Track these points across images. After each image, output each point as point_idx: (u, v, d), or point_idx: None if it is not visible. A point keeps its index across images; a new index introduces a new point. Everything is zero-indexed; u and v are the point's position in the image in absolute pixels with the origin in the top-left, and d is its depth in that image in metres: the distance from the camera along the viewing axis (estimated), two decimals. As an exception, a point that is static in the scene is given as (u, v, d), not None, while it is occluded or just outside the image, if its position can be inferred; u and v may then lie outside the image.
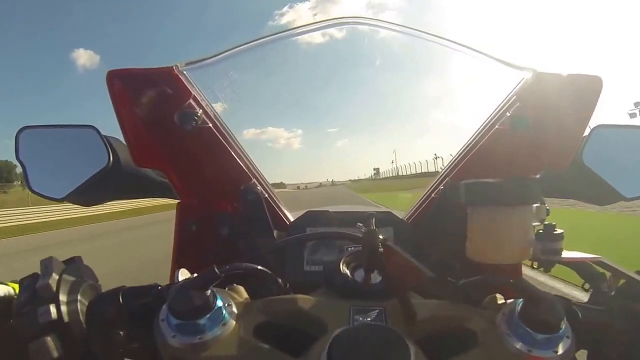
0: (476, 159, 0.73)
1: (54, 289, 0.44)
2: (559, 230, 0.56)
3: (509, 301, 0.48)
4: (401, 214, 0.85)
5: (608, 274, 0.61)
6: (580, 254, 0.67)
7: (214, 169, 0.74)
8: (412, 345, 0.39)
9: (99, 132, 0.70)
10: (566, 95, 0.63)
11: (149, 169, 0.74)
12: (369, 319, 0.48)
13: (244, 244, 0.73)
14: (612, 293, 0.58)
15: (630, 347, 0.49)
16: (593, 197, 0.73)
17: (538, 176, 0.67)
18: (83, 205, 0.75)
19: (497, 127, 0.70)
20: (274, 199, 0.80)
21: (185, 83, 0.66)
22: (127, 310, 0.48)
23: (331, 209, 0.82)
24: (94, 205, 0.76)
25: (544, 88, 0.64)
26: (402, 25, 0.69)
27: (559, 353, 0.41)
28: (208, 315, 0.43)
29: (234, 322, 0.45)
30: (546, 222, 0.56)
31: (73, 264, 0.49)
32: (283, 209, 0.83)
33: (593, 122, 0.65)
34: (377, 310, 0.49)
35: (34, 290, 0.44)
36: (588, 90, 0.62)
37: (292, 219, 0.82)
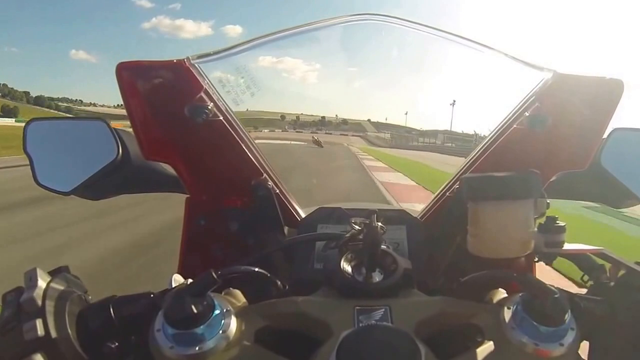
0: (493, 158, 0.72)
1: (40, 302, 0.41)
2: (561, 223, 0.57)
3: (512, 295, 0.48)
4: (415, 212, 0.84)
5: (607, 265, 0.61)
6: (581, 245, 0.67)
7: (224, 164, 0.73)
8: (422, 346, 0.39)
9: (108, 125, 0.69)
10: (586, 97, 0.63)
11: (158, 163, 0.73)
12: (374, 320, 0.47)
13: (254, 240, 0.72)
14: (612, 284, 0.58)
15: (632, 338, 0.49)
16: (610, 199, 0.73)
17: (554, 178, 0.67)
18: (91, 199, 0.74)
19: (515, 126, 0.69)
20: (285, 194, 0.79)
21: (197, 76, 0.65)
22: (119, 321, 0.46)
23: (343, 205, 0.81)
24: (102, 199, 0.75)
25: (564, 89, 0.64)
26: (422, 24, 0.68)
27: (564, 345, 0.41)
28: (207, 323, 0.41)
29: (234, 329, 0.43)
30: (548, 215, 0.56)
31: (59, 274, 0.46)
32: (294, 205, 0.82)
33: (614, 125, 0.64)
34: (382, 310, 0.48)
35: (18, 305, 0.40)
36: (609, 93, 0.62)
37: (303, 215, 0.81)
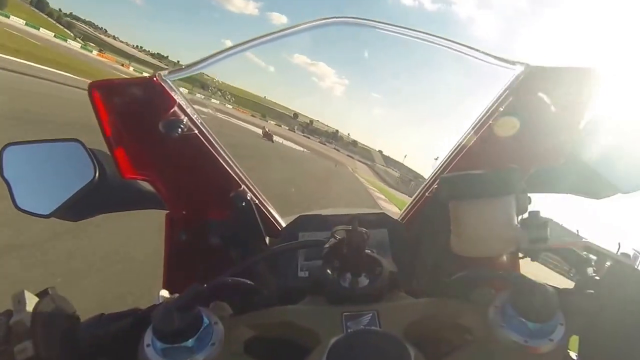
0: (470, 156, 0.72)
1: (29, 324, 0.41)
2: (544, 218, 0.56)
3: (499, 293, 0.47)
4: (395, 214, 0.84)
5: (592, 258, 0.61)
6: (565, 239, 0.66)
7: (202, 177, 0.73)
8: (412, 349, 0.38)
9: (84, 145, 0.69)
10: (561, 88, 0.62)
11: (136, 181, 0.73)
12: (362, 325, 0.47)
13: (237, 252, 0.72)
14: (598, 277, 0.57)
15: (621, 331, 0.48)
16: (589, 191, 0.72)
17: (532, 172, 0.67)
18: (71, 221, 0.73)
19: (490, 122, 0.68)
20: (265, 204, 0.79)
21: (169, 91, 0.65)
22: (109, 338, 0.46)
23: (323, 212, 0.81)
24: (82, 219, 0.75)
25: (538, 82, 0.63)
26: (393, 25, 0.68)
27: (554, 341, 0.41)
28: (196, 336, 0.42)
29: (223, 341, 0.43)
30: (530, 210, 0.56)
31: (47, 296, 0.46)
32: (274, 214, 0.82)
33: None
34: (370, 315, 0.48)
35: (8, 327, 0.42)
36: (584, 83, 0.61)
37: (284, 224, 0.81)
